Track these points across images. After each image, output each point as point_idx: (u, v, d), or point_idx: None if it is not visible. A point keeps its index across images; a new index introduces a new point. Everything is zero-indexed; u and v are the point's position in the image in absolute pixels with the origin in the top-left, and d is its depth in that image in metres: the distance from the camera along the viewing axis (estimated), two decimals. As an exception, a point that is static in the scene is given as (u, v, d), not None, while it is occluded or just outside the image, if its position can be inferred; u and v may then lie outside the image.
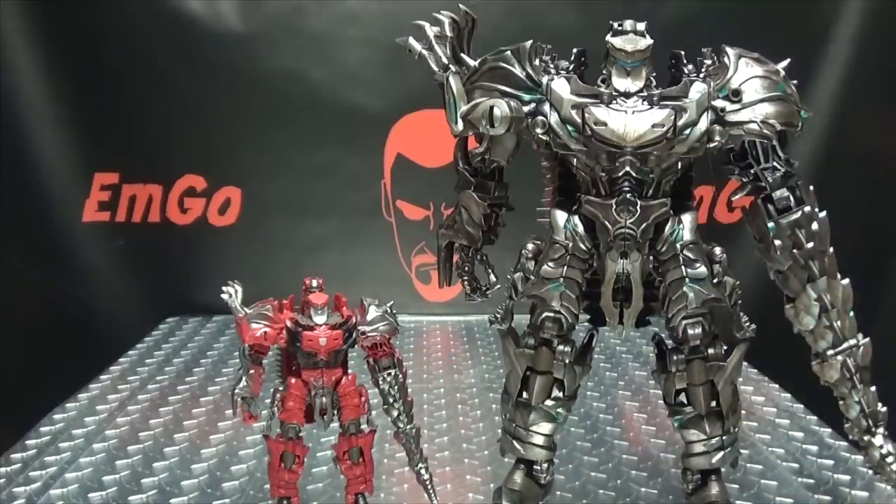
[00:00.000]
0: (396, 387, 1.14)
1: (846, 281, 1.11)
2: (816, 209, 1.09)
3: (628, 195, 1.03)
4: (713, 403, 1.16)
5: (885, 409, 1.13)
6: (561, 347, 1.14)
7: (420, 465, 1.18)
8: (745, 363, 1.21)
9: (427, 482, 1.18)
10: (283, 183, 2.38)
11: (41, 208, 2.30)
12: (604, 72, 1.04)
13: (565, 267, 1.10)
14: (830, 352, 1.11)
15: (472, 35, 1.19)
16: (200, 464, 1.47)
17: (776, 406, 1.76)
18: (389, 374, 1.13)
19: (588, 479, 1.41)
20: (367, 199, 2.41)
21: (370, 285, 2.45)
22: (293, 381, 1.12)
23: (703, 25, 2.13)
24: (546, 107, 1.04)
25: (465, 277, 1.32)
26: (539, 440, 1.18)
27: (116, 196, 2.37)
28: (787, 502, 1.33)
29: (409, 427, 1.16)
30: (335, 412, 1.14)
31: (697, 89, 1.01)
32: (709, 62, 1.06)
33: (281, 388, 1.14)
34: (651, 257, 1.10)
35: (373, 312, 1.14)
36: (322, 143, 2.35)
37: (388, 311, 1.15)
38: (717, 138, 1.02)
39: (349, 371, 1.15)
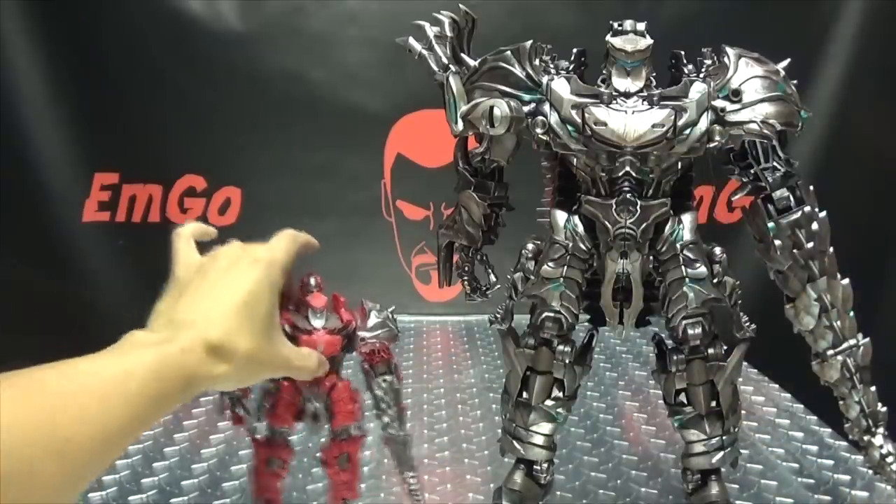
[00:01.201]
0: (391, 393, 1.12)
1: (846, 281, 1.11)
2: (816, 209, 1.09)
3: (628, 195, 1.02)
4: (713, 403, 1.16)
5: (885, 409, 1.13)
6: (561, 347, 1.14)
7: (409, 473, 1.15)
8: (745, 363, 1.21)
9: (415, 492, 1.15)
10: (283, 183, 2.38)
11: (41, 208, 2.30)
12: (604, 72, 1.04)
13: (565, 267, 1.10)
14: (830, 352, 1.11)
15: (472, 35, 1.19)
16: (200, 464, 1.47)
17: (776, 406, 1.76)
18: (385, 381, 1.11)
19: (588, 479, 1.41)
20: (367, 199, 2.41)
21: (370, 285, 2.46)
22: (285, 384, 1.10)
23: (703, 25, 2.14)
24: (546, 107, 1.04)
25: (465, 277, 1.32)
26: (539, 440, 1.18)
27: (116, 196, 2.37)
28: (787, 502, 1.33)
29: (400, 434, 1.14)
30: (326, 417, 1.12)
31: (697, 89, 1.01)
32: (709, 62, 1.06)
33: (271, 387, 1.11)
34: (651, 257, 1.10)
35: (373, 318, 1.12)
36: (322, 143, 2.35)
37: (390, 317, 1.13)
38: (717, 138, 1.02)
39: (342, 376, 1.13)
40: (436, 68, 1.14)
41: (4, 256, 2.23)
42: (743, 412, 1.24)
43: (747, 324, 1.14)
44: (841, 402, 1.14)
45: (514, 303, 1.16)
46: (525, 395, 1.18)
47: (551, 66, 1.07)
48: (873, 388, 1.12)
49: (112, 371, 0.61)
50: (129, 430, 0.60)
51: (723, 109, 1.02)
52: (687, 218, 1.09)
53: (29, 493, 0.51)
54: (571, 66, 1.08)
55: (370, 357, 1.11)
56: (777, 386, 1.87)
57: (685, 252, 1.08)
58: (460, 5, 1.17)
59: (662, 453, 1.51)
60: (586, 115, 1.01)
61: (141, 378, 0.61)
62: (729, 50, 1.04)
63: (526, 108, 1.04)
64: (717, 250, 1.10)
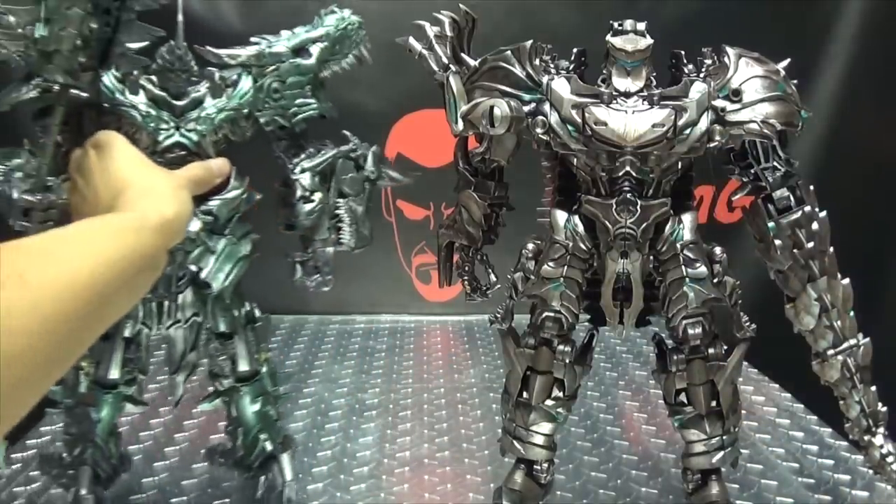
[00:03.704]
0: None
1: (846, 281, 1.11)
2: (816, 209, 1.10)
3: (628, 195, 1.03)
4: (713, 403, 1.16)
5: (885, 408, 1.13)
6: (561, 347, 1.14)
7: None
8: (745, 363, 1.21)
9: None
10: (283, 183, 2.38)
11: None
12: (604, 72, 1.04)
13: (565, 267, 1.10)
14: (831, 351, 1.11)
15: (472, 35, 1.19)
16: (200, 464, 1.47)
17: (776, 406, 1.76)
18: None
19: (588, 479, 1.41)
20: (367, 199, 2.40)
21: (370, 285, 2.46)
22: None
23: (703, 25, 2.13)
24: (546, 106, 1.04)
25: (465, 277, 1.32)
26: (539, 440, 1.18)
27: (116, 196, 2.37)
28: (787, 502, 1.33)
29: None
30: None
31: (697, 89, 1.01)
32: (709, 62, 1.06)
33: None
34: (651, 257, 1.10)
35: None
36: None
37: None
38: (718, 138, 1.02)
39: None
40: (436, 68, 1.14)
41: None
42: (743, 412, 1.24)
43: (747, 324, 1.15)
44: (841, 402, 1.14)
45: (515, 303, 1.16)
46: (525, 394, 1.18)
47: (551, 65, 1.07)
48: (873, 388, 1.13)
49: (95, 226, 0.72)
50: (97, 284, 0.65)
51: (723, 109, 1.02)
52: (687, 218, 1.09)
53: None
54: (571, 66, 1.08)
55: None
56: (777, 386, 1.88)
57: (685, 252, 1.08)
58: (460, 5, 1.17)
59: (662, 453, 1.51)
60: (586, 114, 1.01)
61: (116, 227, 0.73)
62: (729, 50, 1.04)
63: (526, 108, 1.04)
64: (717, 250, 1.10)
